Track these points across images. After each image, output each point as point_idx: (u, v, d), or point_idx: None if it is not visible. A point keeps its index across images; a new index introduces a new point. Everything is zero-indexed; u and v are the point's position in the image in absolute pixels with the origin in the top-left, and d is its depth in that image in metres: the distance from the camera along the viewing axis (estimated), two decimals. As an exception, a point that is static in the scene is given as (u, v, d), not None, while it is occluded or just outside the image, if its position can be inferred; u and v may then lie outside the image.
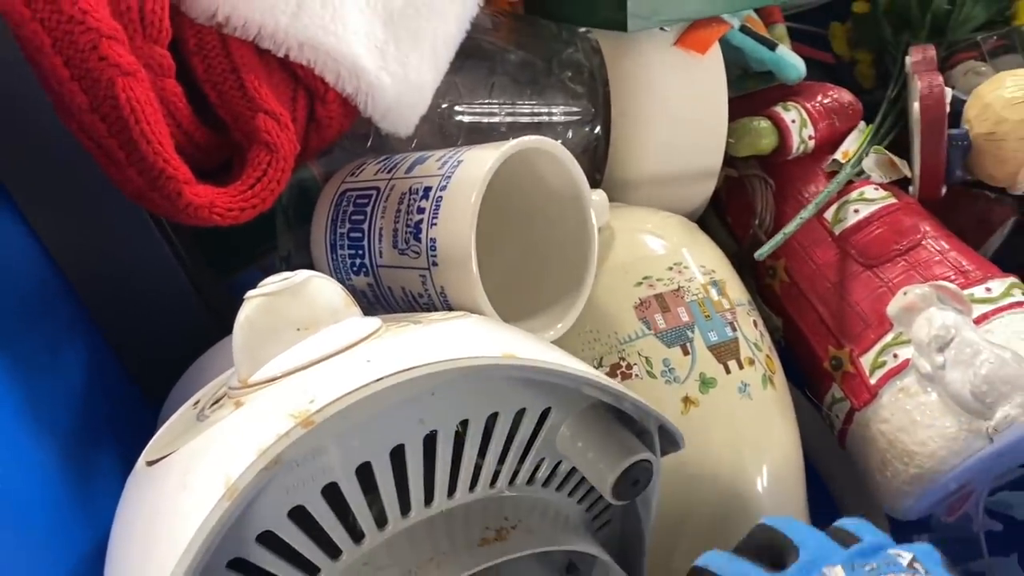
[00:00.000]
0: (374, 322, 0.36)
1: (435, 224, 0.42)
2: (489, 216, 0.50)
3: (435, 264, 0.42)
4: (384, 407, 0.31)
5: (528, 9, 0.65)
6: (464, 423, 0.33)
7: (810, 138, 0.61)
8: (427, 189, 0.43)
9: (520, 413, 0.34)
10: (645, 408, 0.35)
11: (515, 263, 0.50)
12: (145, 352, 0.52)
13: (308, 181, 0.55)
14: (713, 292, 0.52)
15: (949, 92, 0.59)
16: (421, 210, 0.43)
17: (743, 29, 0.62)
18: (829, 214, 0.59)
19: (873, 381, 0.54)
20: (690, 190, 0.61)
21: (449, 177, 0.42)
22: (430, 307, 0.44)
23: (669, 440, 0.38)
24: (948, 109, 0.59)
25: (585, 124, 0.61)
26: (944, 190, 0.61)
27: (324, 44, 0.45)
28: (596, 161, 0.62)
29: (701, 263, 0.53)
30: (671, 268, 0.51)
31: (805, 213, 0.56)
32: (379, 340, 0.34)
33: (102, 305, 0.51)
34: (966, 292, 0.54)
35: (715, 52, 0.60)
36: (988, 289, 0.54)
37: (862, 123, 0.64)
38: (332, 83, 0.46)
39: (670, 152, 0.59)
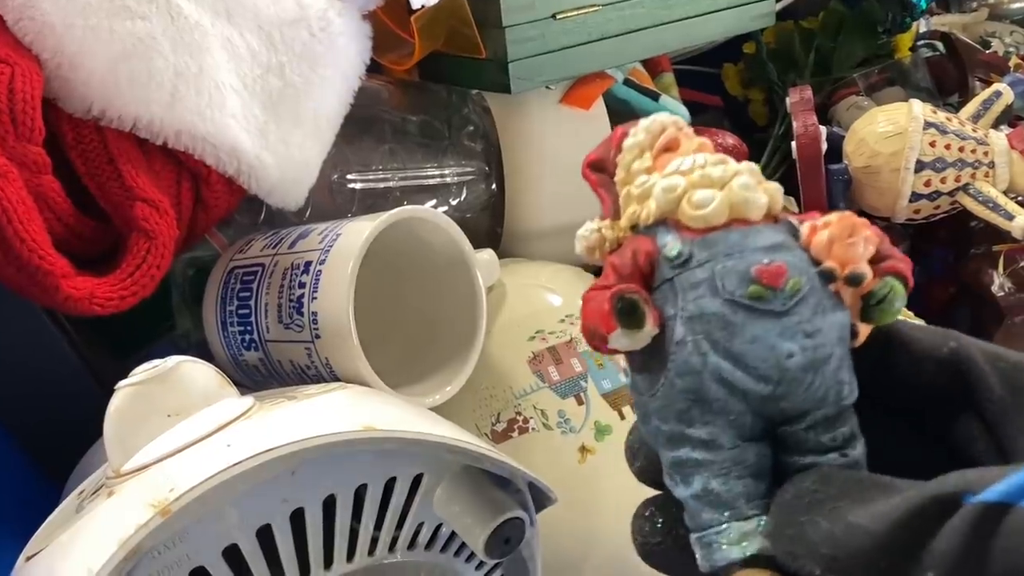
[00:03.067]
0: (246, 402, 0.37)
1: (315, 298, 0.43)
2: (378, 285, 0.51)
3: (318, 337, 0.43)
4: (244, 490, 0.32)
5: (423, 75, 0.67)
6: (330, 499, 0.34)
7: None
8: (308, 264, 0.44)
9: (391, 481, 0.35)
10: (510, 468, 0.36)
11: (409, 328, 0.51)
12: (46, 438, 0.52)
13: (206, 259, 0.56)
14: (605, 340, 0.53)
15: (824, 130, 0.61)
16: (302, 284, 0.44)
17: (626, 82, 0.65)
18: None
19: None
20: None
21: (328, 251, 0.44)
22: (319, 378, 0.45)
23: (545, 495, 0.39)
24: (826, 146, 0.61)
25: (481, 182, 0.63)
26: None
27: (200, 130, 0.46)
28: (496, 217, 0.64)
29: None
30: (563, 320, 0.53)
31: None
32: (246, 422, 0.35)
33: None
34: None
35: (599, 106, 0.62)
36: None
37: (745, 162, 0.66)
38: (213, 165, 0.48)
39: (562, 204, 0.61)
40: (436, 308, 0.50)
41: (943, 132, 0.60)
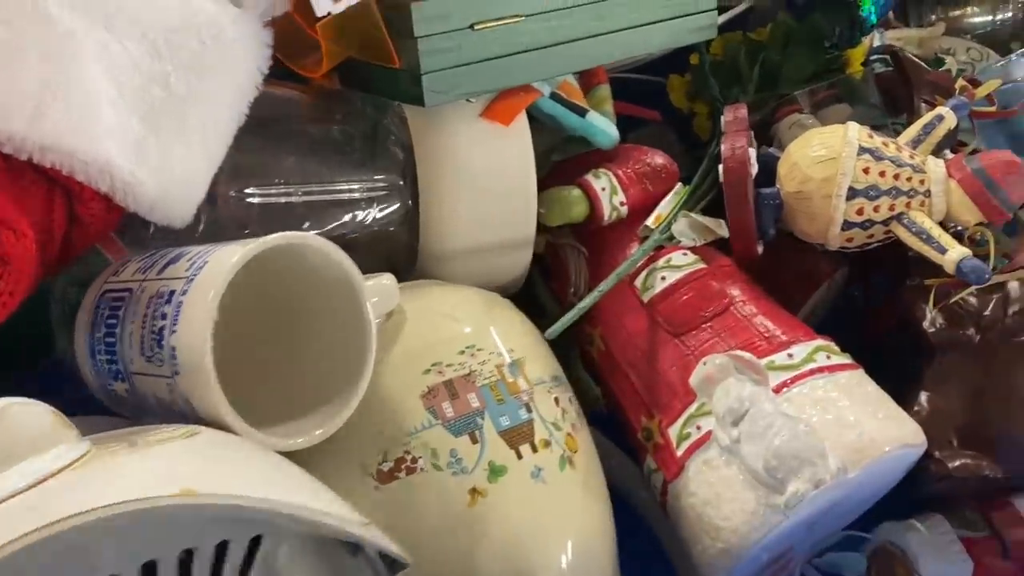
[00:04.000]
0: (80, 449, 0.34)
1: (175, 331, 0.40)
2: (260, 313, 0.49)
3: (177, 373, 0.40)
4: (48, 556, 0.29)
5: (344, 82, 0.63)
6: (151, 565, 0.31)
7: (622, 204, 0.61)
8: (171, 293, 0.41)
9: (223, 545, 0.33)
10: (353, 535, 0.33)
11: (293, 361, 0.48)
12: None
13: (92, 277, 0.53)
14: (508, 373, 0.51)
15: (754, 152, 0.59)
16: (164, 316, 0.41)
17: (553, 96, 0.61)
18: (639, 281, 0.59)
19: (679, 453, 0.53)
20: (505, 261, 0.60)
21: (191, 280, 0.41)
22: (183, 416, 0.42)
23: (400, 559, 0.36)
24: (756, 169, 0.59)
25: (396, 197, 0.60)
26: (760, 248, 0.61)
27: (68, 146, 0.43)
28: (415, 234, 0.61)
29: (500, 342, 0.52)
30: (463, 352, 0.50)
31: (603, 286, 0.56)
32: (68, 475, 0.32)
33: None
34: (767, 359, 0.53)
35: (521, 122, 0.59)
36: (790, 355, 0.54)
37: (679, 184, 0.64)
38: (85, 182, 0.45)
39: (479, 224, 0.58)
40: (322, 339, 0.47)
41: (878, 158, 0.58)
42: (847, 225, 0.58)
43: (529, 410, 0.50)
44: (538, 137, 0.67)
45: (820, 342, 0.55)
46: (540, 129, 0.65)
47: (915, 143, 0.60)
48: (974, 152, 0.63)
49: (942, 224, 0.58)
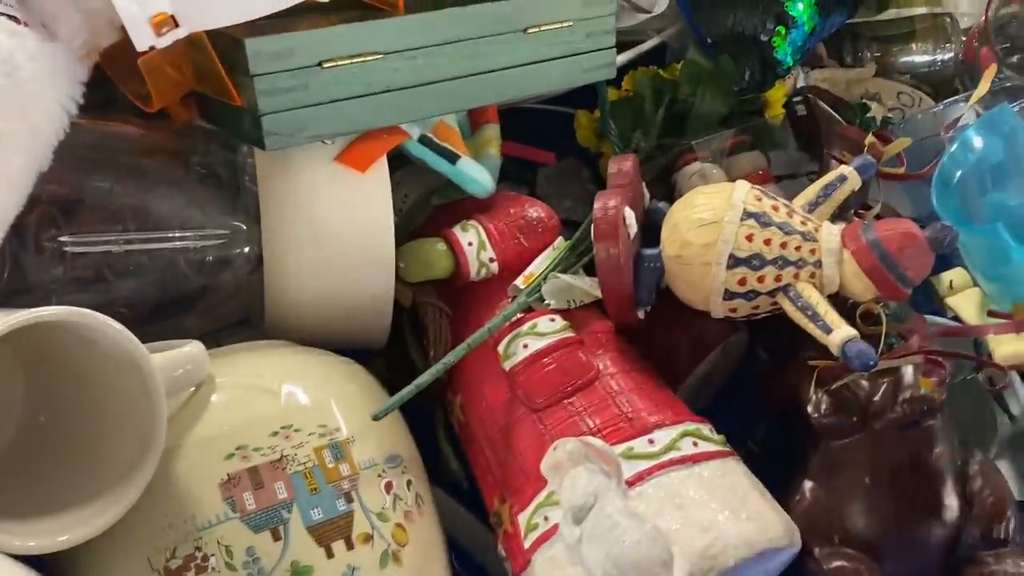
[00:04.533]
0: None
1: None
2: (40, 391, 0.44)
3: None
4: None
5: (202, 115, 0.58)
6: None
7: (491, 260, 0.56)
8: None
9: None
10: None
11: (78, 443, 0.43)
12: None
13: None
14: (329, 457, 0.46)
15: (630, 214, 0.53)
16: None
17: (423, 139, 0.56)
18: (502, 347, 0.54)
19: (527, 545, 0.48)
20: (361, 318, 0.55)
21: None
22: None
23: None
24: (633, 230, 0.53)
25: (241, 244, 0.55)
26: (641, 313, 0.56)
27: None
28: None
29: (332, 418, 0.47)
30: (276, 433, 0.45)
31: (449, 357, 0.51)
32: None
33: None
34: (625, 445, 0.48)
35: (379, 168, 0.54)
36: (651, 441, 0.49)
37: (559, 240, 0.58)
38: None
39: (327, 278, 0.53)
40: (109, 418, 0.42)
41: (764, 224, 0.52)
42: (729, 295, 0.52)
43: (349, 500, 0.45)
44: (420, 179, 0.62)
45: (688, 426, 0.50)
46: (422, 170, 0.60)
47: (812, 206, 0.55)
48: (879, 217, 0.58)
49: (837, 295, 0.54)
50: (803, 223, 0.53)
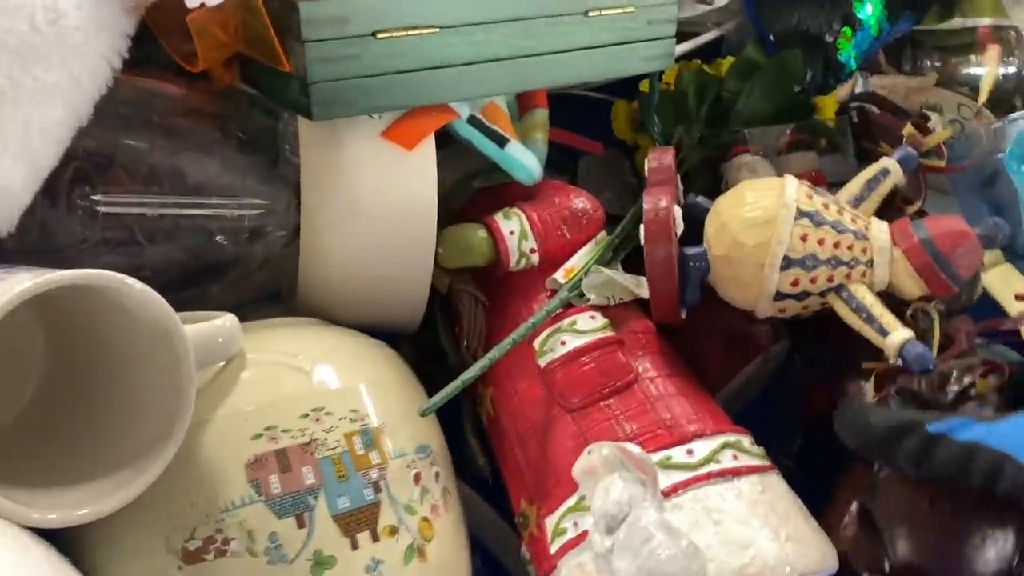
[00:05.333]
0: None
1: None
2: (60, 358, 0.42)
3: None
4: None
5: (244, 79, 0.56)
6: None
7: (532, 251, 0.53)
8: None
9: None
10: None
11: (103, 412, 0.41)
12: None
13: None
14: (359, 444, 0.44)
15: (678, 211, 0.51)
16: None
17: (471, 120, 0.54)
18: (538, 343, 0.52)
19: (553, 550, 0.46)
20: (395, 300, 0.53)
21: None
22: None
23: None
24: (679, 229, 0.51)
25: (280, 216, 0.53)
26: (684, 314, 0.54)
27: None
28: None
29: (363, 403, 0.45)
30: (307, 415, 0.43)
31: (494, 352, 0.49)
32: None
33: None
34: (663, 453, 0.46)
35: (426, 147, 0.52)
36: (690, 451, 0.47)
37: (602, 233, 0.56)
38: None
39: (364, 257, 0.51)
40: (136, 391, 0.41)
41: (818, 224, 0.50)
42: (780, 296, 0.51)
43: (377, 490, 0.43)
44: (459, 160, 0.60)
45: (729, 437, 0.48)
46: (461, 152, 0.58)
47: (857, 200, 0.53)
48: (921, 214, 0.56)
49: (882, 293, 0.52)
50: (854, 221, 0.51)
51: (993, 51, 0.68)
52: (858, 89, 0.70)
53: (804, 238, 0.50)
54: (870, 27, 0.63)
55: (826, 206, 0.51)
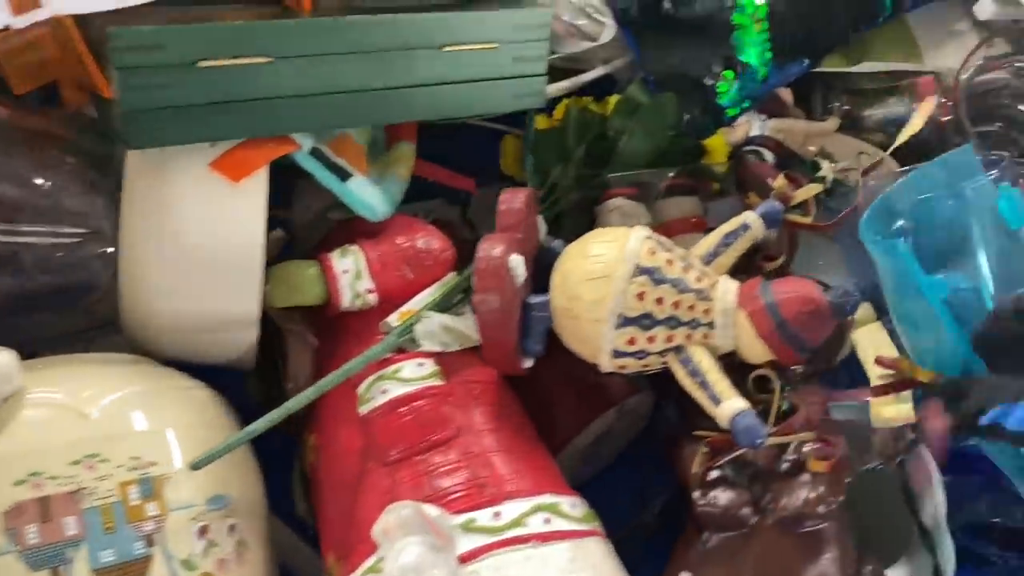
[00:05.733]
0: None
1: None
2: None
3: None
4: None
5: (94, 103, 0.54)
6: None
7: (369, 291, 0.51)
8: None
9: None
10: None
11: None
12: None
13: None
14: (135, 494, 0.42)
15: (518, 260, 0.49)
16: None
17: (314, 152, 0.52)
18: (361, 389, 0.49)
19: (348, 613, 0.44)
20: (222, 338, 0.51)
21: None
22: None
23: None
24: (521, 278, 0.49)
25: (97, 247, 0.51)
26: (529, 363, 0.51)
27: None
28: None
29: (143, 452, 0.43)
30: (79, 462, 0.41)
31: (291, 403, 0.47)
32: None
33: None
34: (467, 516, 0.44)
35: (256, 181, 0.50)
36: (497, 514, 0.44)
37: (451, 274, 0.54)
38: None
39: (187, 294, 0.49)
40: None
41: (657, 282, 0.47)
42: (618, 354, 0.48)
43: (150, 543, 0.41)
44: (323, 191, 0.58)
45: (544, 499, 0.45)
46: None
47: (712, 256, 0.51)
48: (781, 272, 0.54)
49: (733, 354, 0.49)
50: (699, 279, 0.48)
51: (928, 104, 0.65)
52: (753, 132, 0.67)
53: (641, 296, 0.47)
54: (754, 71, 0.61)
55: (670, 262, 0.48)
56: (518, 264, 0.49)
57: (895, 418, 0.51)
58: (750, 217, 0.52)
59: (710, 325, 0.48)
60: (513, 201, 0.51)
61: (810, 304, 0.47)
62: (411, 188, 0.66)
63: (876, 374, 0.52)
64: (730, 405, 0.46)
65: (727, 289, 0.48)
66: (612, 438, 0.59)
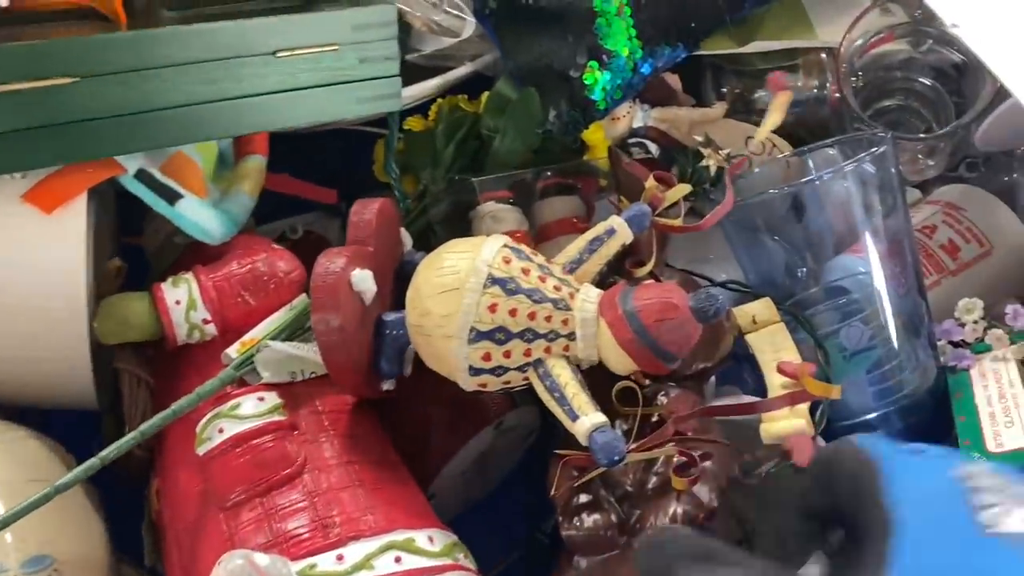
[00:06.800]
0: None
1: None
2: None
3: None
4: None
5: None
6: None
7: (205, 322, 0.48)
8: None
9: None
10: None
11: None
12: None
13: None
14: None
15: (365, 275, 0.45)
16: None
17: (139, 174, 0.48)
18: (199, 428, 0.46)
19: (184, 672, 0.41)
20: (58, 380, 0.48)
21: None
22: None
23: None
24: (369, 294, 0.45)
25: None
26: (388, 385, 0.48)
27: None
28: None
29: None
30: None
31: (121, 443, 0.43)
32: None
33: None
34: (307, 561, 0.40)
35: (73, 210, 0.46)
36: (340, 557, 0.40)
37: (302, 297, 0.51)
38: None
39: (9, 334, 0.46)
40: None
41: (511, 293, 0.44)
42: (475, 371, 0.45)
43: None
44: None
45: (397, 536, 0.42)
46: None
47: (575, 264, 0.48)
48: (653, 276, 0.50)
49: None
50: (557, 289, 0.45)
51: (783, 97, 0.62)
52: (636, 124, 0.64)
53: (493, 308, 0.44)
54: (621, 60, 0.57)
55: (526, 271, 0.45)
56: (363, 279, 0.45)
57: (787, 433, 0.48)
58: (615, 221, 0.49)
59: (570, 336, 0.45)
60: (363, 212, 0.48)
61: (669, 310, 0.43)
62: (287, 202, 0.63)
63: (777, 383, 0.49)
64: (587, 420, 0.42)
65: (587, 298, 0.45)
66: (496, 457, 0.56)
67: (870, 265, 0.58)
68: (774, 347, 0.51)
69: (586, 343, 0.45)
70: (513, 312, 0.44)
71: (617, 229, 0.48)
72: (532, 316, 0.44)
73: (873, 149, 0.55)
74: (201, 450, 0.45)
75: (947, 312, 0.60)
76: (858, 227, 0.57)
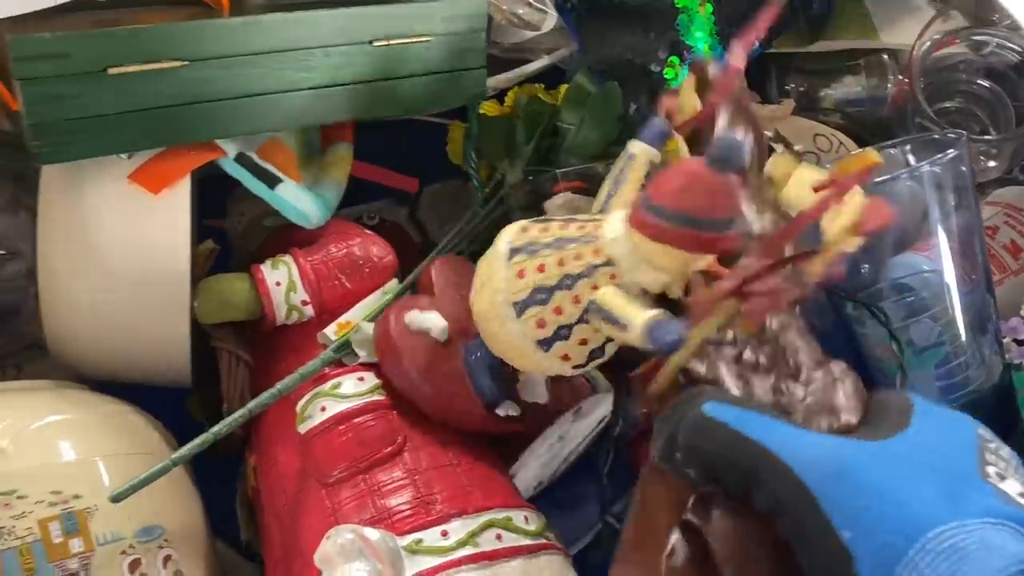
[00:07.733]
0: None
1: None
2: None
3: None
4: None
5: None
6: None
7: (304, 304, 0.49)
8: None
9: None
10: None
11: None
12: None
13: None
14: (56, 531, 0.39)
15: (432, 318, 0.46)
16: None
17: (240, 158, 0.50)
18: (299, 407, 0.47)
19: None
20: (155, 357, 0.49)
21: None
22: None
23: None
24: (438, 336, 0.46)
25: (20, 265, 0.48)
26: (507, 410, 0.48)
27: None
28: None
29: (64, 485, 0.41)
30: (-8, 500, 0.39)
31: (229, 420, 0.44)
32: None
33: None
34: (413, 536, 0.41)
35: (178, 193, 0.47)
36: (445, 533, 0.42)
37: (393, 282, 0.52)
38: None
39: (111, 311, 0.47)
40: None
41: (533, 253, 0.42)
42: (545, 344, 0.42)
43: (75, 581, 0.39)
44: (252, 200, 0.56)
45: (496, 514, 0.43)
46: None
47: (607, 200, 0.44)
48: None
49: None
50: (581, 227, 0.42)
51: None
52: (706, 119, 0.65)
53: (521, 274, 0.42)
54: (702, 56, 0.58)
55: (545, 229, 0.43)
56: (421, 320, 0.46)
57: (857, 212, 0.40)
58: (632, 146, 0.44)
59: (608, 263, 0.41)
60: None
61: (681, 178, 0.38)
62: (358, 189, 0.64)
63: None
64: (640, 318, 0.38)
65: (616, 217, 0.41)
66: (571, 443, 0.57)
67: (939, 263, 0.59)
68: (801, 183, 0.44)
69: (628, 261, 0.40)
70: (541, 268, 0.41)
71: (636, 152, 0.44)
72: (561, 263, 0.41)
73: (950, 151, 0.56)
74: (303, 428, 0.46)
75: (1012, 310, 0.61)
76: (930, 226, 0.58)
